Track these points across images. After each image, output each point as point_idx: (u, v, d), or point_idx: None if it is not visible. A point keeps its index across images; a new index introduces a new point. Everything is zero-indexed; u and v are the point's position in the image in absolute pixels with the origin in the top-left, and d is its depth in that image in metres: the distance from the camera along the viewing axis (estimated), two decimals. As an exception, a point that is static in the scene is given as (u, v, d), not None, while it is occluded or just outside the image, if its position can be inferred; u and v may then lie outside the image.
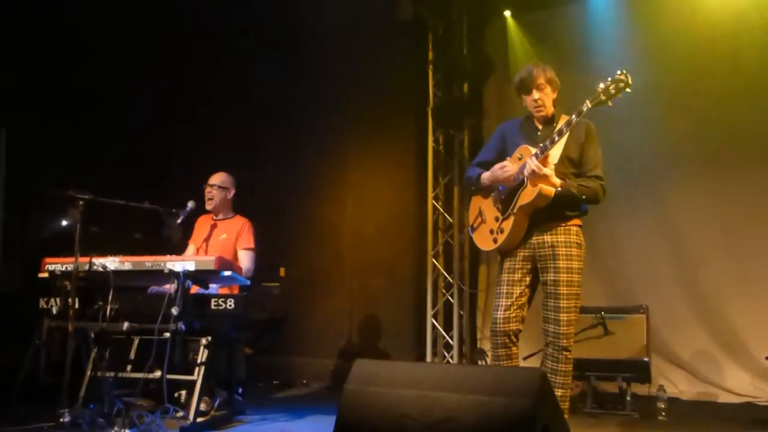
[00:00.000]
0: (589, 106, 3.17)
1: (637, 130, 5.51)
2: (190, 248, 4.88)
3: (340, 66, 6.28)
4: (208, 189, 4.79)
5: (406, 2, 5.96)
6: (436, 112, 6.26)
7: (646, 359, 4.60)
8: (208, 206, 4.80)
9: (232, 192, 4.85)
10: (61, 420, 3.66)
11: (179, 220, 4.79)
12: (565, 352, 3.31)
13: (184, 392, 4.35)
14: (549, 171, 3.22)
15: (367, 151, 6.30)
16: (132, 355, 4.19)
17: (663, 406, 4.46)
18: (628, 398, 4.61)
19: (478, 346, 6.20)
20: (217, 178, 4.81)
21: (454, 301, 6.10)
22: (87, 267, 3.87)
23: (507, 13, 6.18)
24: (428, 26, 6.35)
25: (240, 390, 4.65)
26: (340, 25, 6.07)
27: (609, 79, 3.14)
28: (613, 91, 3.12)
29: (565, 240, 3.34)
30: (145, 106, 6.42)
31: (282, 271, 5.92)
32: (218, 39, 6.53)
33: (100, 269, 3.88)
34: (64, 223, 5.72)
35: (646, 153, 5.59)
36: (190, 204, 4.72)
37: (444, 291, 6.19)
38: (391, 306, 6.28)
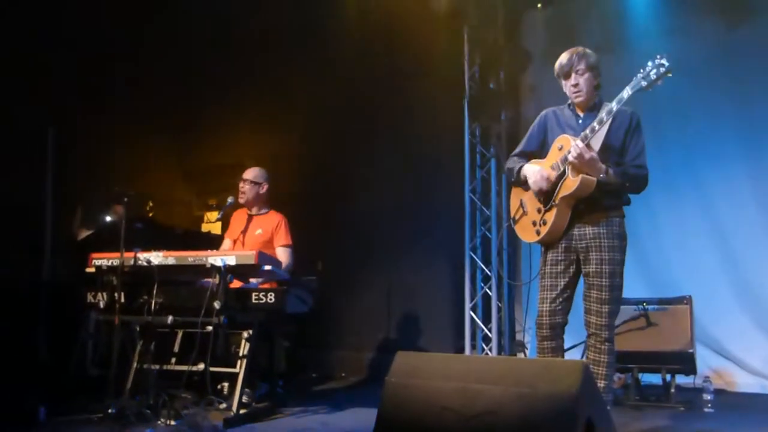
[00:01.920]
0: (630, 92, 3.11)
1: (679, 116, 5.41)
2: (227, 242, 4.95)
3: (375, 60, 6.27)
4: (241, 184, 4.84)
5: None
6: (472, 104, 6.22)
7: (690, 350, 4.51)
8: (241, 200, 4.86)
9: (266, 187, 4.88)
10: (108, 411, 3.74)
11: (220, 215, 4.89)
12: (607, 344, 3.27)
13: (226, 384, 4.44)
14: (594, 155, 3.17)
15: (403, 144, 6.30)
16: (176, 348, 4.28)
17: (709, 398, 4.38)
18: (673, 390, 4.53)
19: (517, 338, 6.16)
20: (251, 173, 4.86)
21: (492, 293, 6.06)
22: (132, 262, 3.96)
23: (539, 5, 6.12)
24: (463, 18, 6.30)
25: (281, 383, 4.71)
26: (374, 18, 6.08)
27: (648, 64, 3.07)
28: (653, 77, 3.05)
29: (608, 231, 3.29)
30: (186, 99, 6.53)
31: (320, 265, 5.97)
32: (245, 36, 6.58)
33: (145, 264, 3.96)
34: (108, 218, 5.87)
35: (687, 139, 5.47)
36: (230, 199, 4.82)
37: (482, 284, 6.16)
38: (429, 299, 6.28)
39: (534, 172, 3.40)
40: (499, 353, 5.98)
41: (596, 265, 3.27)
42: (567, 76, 3.39)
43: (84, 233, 5.79)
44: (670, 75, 3.03)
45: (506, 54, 6.25)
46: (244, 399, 4.12)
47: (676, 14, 5.53)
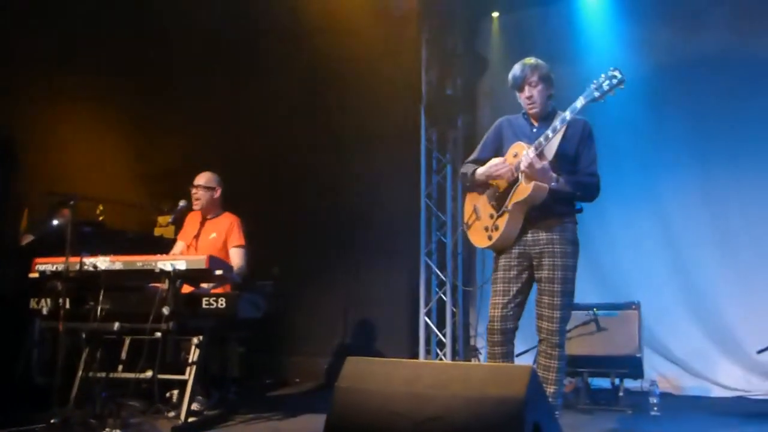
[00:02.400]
0: (583, 102, 3.17)
1: (631, 126, 5.54)
2: (179, 245, 4.86)
3: (331, 63, 6.26)
4: (194, 190, 4.75)
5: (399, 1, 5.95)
6: (428, 109, 6.26)
7: (638, 355, 4.62)
8: (196, 207, 4.77)
9: (219, 191, 4.81)
10: (53, 421, 3.62)
11: (172, 219, 4.79)
12: (558, 349, 3.30)
13: (176, 392, 4.34)
14: (545, 164, 3.21)
15: (359, 148, 6.30)
16: (123, 355, 4.18)
17: (655, 401, 4.48)
18: (621, 394, 4.63)
19: (471, 343, 6.21)
20: (203, 179, 4.78)
21: (447, 299, 6.10)
22: (77, 267, 3.85)
23: (495, 14, 6.22)
24: (421, 24, 6.34)
25: (233, 389, 4.64)
26: (332, 22, 6.06)
27: (602, 75, 3.14)
28: (606, 88, 3.11)
29: (561, 237, 3.33)
30: (138, 100, 6.40)
31: (276, 270, 5.92)
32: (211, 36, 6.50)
33: (91, 269, 3.86)
34: (55, 222, 5.70)
35: (639, 149, 5.62)
36: (182, 203, 4.72)
37: (437, 289, 6.19)
38: (385, 304, 6.28)
39: (495, 163, 3.42)
40: (453, 358, 6.01)
41: (549, 270, 3.31)
42: (521, 89, 3.44)
43: (28, 238, 5.62)
44: (622, 87, 3.10)
45: (463, 60, 6.31)
46: (196, 407, 4.04)
47: (629, 26, 5.67)
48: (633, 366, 4.62)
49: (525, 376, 2.26)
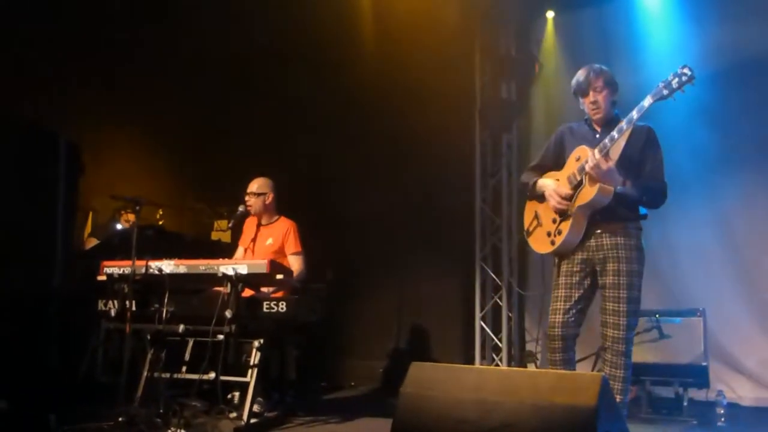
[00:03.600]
0: (651, 101, 3.09)
1: (691, 129, 5.37)
2: (239, 250, 4.94)
3: (388, 70, 6.28)
4: (247, 197, 4.83)
5: (453, 6, 5.93)
6: (483, 113, 6.22)
7: (704, 363, 4.49)
8: (250, 213, 4.86)
9: (271, 196, 4.86)
10: (119, 419, 3.71)
11: (230, 224, 4.88)
12: (624, 358, 3.24)
13: (237, 394, 4.41)
14: (611, 165, 3.15)
15: (414, 153, 6.29)
16: (187, 357, 4.25)
17: (722, 411, 4.34)
18: (686, 404, 4.50)
19: (527, 348, 6.13)
20: (254, 185, 4.83)
21: (503, 303, 6.04)
22: (143, 270, 3.95)
23: (550, 14, 6.12)
24: (476, 28, 6.31)
25: (291, 391, 4.69)
26: (386, 29, 6.08)
27: (671, 74, 3.06)
28: (675, 86, 3.03)
29: (625, 242, 3.27)
30: (193, 106, 6.54)
31: (329, 273, 5.96)
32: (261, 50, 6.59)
33: (156, 272, 3.96)
34: (119, 226, 5.87)
35: (700, 151, 5.44)
36: (241, 208, 4.81)
37: (493, 294, 6.14)
38: (439, 308, 6.26)
39: (549, 185, 3.41)
40: (509, 363, 5.95)
41: (613, 276, 3.25)
42: (585, 94, 3.39)
43: (92, 242, 5.80)
44: (692, 84, 3.01)
45: (517, 64, 6.25)
46: (255, 408, 4.10)
47: (689, 26, 5.51)
48: (698, 375, 4.48)
49: (596, 385, 2.22)
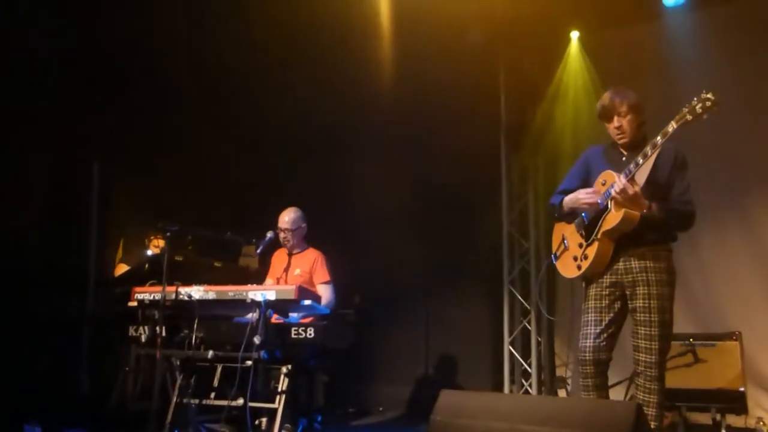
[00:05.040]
0: (675, 126, 3.06)
1: (721, 147, 5.30)
2: (269, 282, 4.97)
3: (413, 94, 6.31)
4: (282, 234, 4.84)
5: (476, 28, 5.95)
6: (509, 135, 6.21)
7: (741, 389, 4.37)
8: (285, 246, 4.90)
9: (305, 228, 4.91)
10: (151, 444, 3.75)
11: (259, 250, 4.91)
12: (657, 383, 3.17)
13: (265, 420, 4.40)
14: (637, 190, 3.12)
15: (440, 177, 6.29)
16: (216, 383, 4.27)
17: (762, 439, 4.22)
18: (723, 430, 4.37)
19: (557, 373, 6.03)
20: (288, 221, 4.84)
21: (532, 327, 5.97)
22: (173, 296, 3.99)
23: (574, 35, 6.09)
24: (499, 50, 6.33)
25: (319, 418, 4.67)
26: (411, 51, 6.13)
27: (695, 98, 3.03)
28: (699, 111, 3.00)
29: (655, 265, 3.22)
30: (221, 140, 6.62)
31: (357, 298, 5.95)
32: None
33: (186, 298, 3.99)
34: (149, 253, 5.94)
35: (731, 170, 5.36)
36: (270, 234, 4.84)
37: (521, 318, 6.07)
38: (467, 333, 6.21)
39: (578, 193, 3.37)
40: (539, 389, 5.85)
41: (644, 300, 3.20)
42: (609, 119, 3.37)
43: (123, 268, 5.87)
44: (716, 110, 2.98)
45: (543, 85, 6.24)
46: (284, 434, 4.08)
47: (716, 46, 5.46)
48: (736, 400, 4.37)
49: (631, 413, 2.18)
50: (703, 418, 4.65)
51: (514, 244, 6.16)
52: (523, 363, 5.96)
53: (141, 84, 6.05)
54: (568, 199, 3.44)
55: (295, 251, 4.91)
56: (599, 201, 3.27)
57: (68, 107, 5.36)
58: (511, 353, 5.99)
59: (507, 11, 5.81)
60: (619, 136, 3.35)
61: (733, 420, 4.54)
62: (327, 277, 4.79)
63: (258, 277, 5.10)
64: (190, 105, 6.36)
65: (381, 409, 6.16)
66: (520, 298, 6.06)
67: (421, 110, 6.28)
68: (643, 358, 3.19)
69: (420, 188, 6.42)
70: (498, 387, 5.98)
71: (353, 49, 6.20)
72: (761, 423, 4.32)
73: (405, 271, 6.39)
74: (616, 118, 3.33)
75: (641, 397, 3.19)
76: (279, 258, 5.00)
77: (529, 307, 6.00)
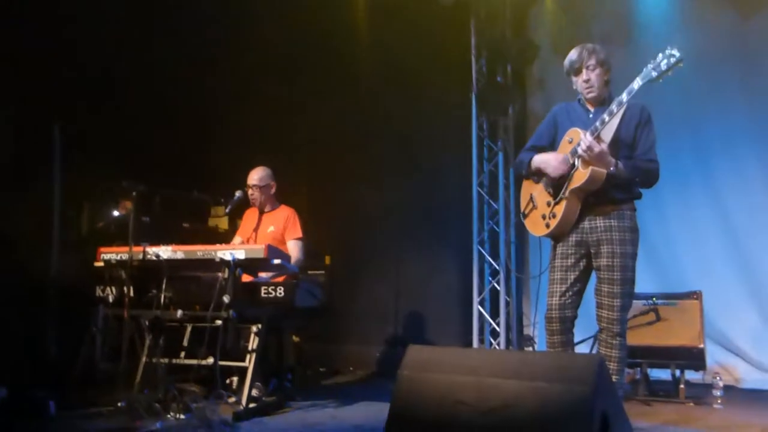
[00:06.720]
0: (640, 83, 3.09)
1: (687, 108, 5.36)
2: (237, 240, 4.96)
3: (381, 53, 6.24)
4: (250, 191, 4.83)
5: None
6: (479, 97, 6.20)
7: (700, 346, 4.49)
8: (254, 205, 4.87)
9: (274, 186, 4.89)
10: (118, 405, 3.75)
11: (228, 209, 4.87)
12: (619, 338, 3.26)
13: (236, 379, 4.44)
14: (604, 148, 3.15)
15: (410, 137, 6.28)
16: (185, 342, 4.27)
17: (719, 393, 4.36)
18: (682, 386, 4.51)
19: (525, 332, 6.15)
20: (257, 179, 4.83)
21: (501, 287, 6.05)
22: (141, 256, 3.95)
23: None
24: (470, 11, 6.27)
25: (289, 377, 4.70)
26: (381, 12, 6.04)
27: (659, 55, 3.05)
28: (664, 68, 3.02)
29: (619, 224, 3.28)
30: (189, 97, 6.49)
31: (327, 259, 5.96)
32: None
33: (154, 258, 3.95)
34: (116, 213, 5.85)
35: (698, 132, 5.44)
36: (238, 193, 4.80)
37: (490, 278, 6.15)
38: (437, 293, 6.27)
39: (550, 158, 3.39)
40: (507, 348, 5.96)
41: (607, 258, 3.26)
42: (577, 73, 3.38)
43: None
44: (681, 65, 3.00)
45: (513, 47, 6.22)
46: (254, 393, 4.11)
47: (687, 5, 5.48)
48: (695, 357, 4.49)
49: (594, 366, 2.23)
50: (663, 374, 4.79)
51: (483, 204, 6.20)
52: (492, 322, 6.06)
53: (101, 42, 5.87)
54: (538, 159, 3.45)
55: (266, 209, 4.89)
56: (566, 159, 3.30)
57: (24, 69, 5.19)
58: (480, 313, 6.07)
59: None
60: (587, 90, 3.37)
61: (691, 376, 4.68)
62: (299, 234, 4.79)
63: (227, 237, 5.07)
64: (162, 67, 6.21)
65: (351, 368, 6.23)
66: (489, 258, 6.12)
67: (391, 71, 6.23)
68: (606, 315, 3.26)
69: (390, 149, 6.40)
70: (467, 346, 6.06)
71: (323, 13, 6.10)
72: (717, 377, 4.45)
73: (375, 232, 6.42)
74: (584, 71, 3.35)
75: (603, 351, 3.28)
76: (250, 217, 4.98)
77: (498, 268, 6.07)
